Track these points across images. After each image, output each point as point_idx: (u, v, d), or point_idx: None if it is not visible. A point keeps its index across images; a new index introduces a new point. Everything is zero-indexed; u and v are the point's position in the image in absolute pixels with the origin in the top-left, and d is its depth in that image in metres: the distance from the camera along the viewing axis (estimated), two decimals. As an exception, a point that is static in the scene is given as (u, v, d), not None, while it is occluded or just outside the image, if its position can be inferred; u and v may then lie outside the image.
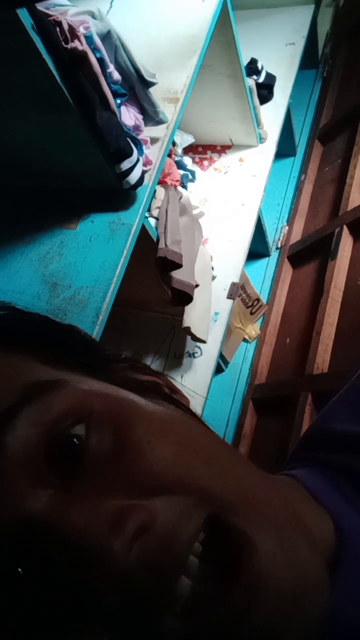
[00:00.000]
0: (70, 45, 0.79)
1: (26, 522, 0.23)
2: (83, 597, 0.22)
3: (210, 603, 0.23)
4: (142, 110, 1.04)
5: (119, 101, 0.96)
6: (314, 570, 0.25)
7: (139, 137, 1.02)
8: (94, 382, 0.30)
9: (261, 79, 1.72)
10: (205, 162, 1.90)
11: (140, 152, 1.01)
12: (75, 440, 0.25)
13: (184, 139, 1.60)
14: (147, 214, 1.11)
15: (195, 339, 1.39)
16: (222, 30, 1.32)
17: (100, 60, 0.86)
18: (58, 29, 0.78)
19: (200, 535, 0.24)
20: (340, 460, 0.36)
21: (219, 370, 1.76)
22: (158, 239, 1.14)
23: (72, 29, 0.79)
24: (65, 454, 0.25)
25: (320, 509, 0.32)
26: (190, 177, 1.56)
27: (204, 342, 1.42)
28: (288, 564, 0.24)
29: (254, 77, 1.69)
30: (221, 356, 1.66)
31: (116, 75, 0.93)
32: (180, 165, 1.50)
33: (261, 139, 1.85)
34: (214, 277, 1.60)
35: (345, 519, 0.31)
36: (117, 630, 0.22)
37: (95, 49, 0.86)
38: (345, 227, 1.67)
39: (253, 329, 1.90)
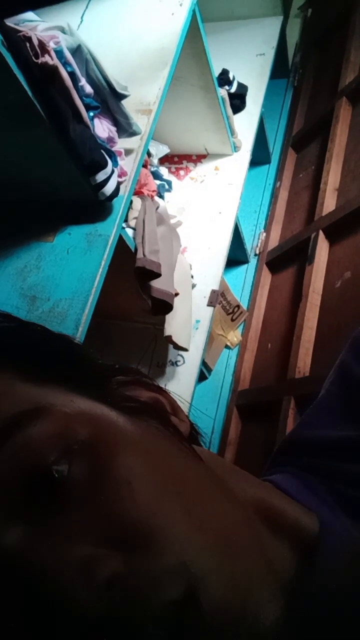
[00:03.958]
0: (41, 60, 0.79)
1: None
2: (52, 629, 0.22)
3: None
4: (116, 123, 1.05)
5: (91, 114, 0.96)
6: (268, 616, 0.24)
7: (113, 149, 1.02)
8: (82, 400, 0.29)
9: (233, 89, 1.74)
10: (182, 172, 1.92)
11: (115, 163, 1.02)
12: (55, 475, 0.24)
13: (159, 150, 1.62)
14: (124, 225, 1.12)
15: (177, 347, 1.39)
16: (193, 42, 1.34)
17: (72, 74, 0.87)
18: (28, 44, 0.79)
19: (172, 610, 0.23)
20: (315, 463, 0.37)
21: (202, 377, 1.77)
22: (136, 249, 1.14)
23: (42, 44, 0.80)
24: (44, 490, 0.24)
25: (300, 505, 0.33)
26: (166, 187, 1.57)
27: (186, 350, 1.42)
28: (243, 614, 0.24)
29: (226, 87, 1.72)
30: (204, 364, 1.67)
31: (88, 89, 0.94)
32: (156, 175, 1.51)
33: (235, 148, 1.88)
34: (193, 286, 1.61)
35: (320, 516, 0.32)
36: None
37: (66, 63, 0.86)
38: (321, 232, 1.70)
39: (235, 336, 1.91)
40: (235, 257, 2.04)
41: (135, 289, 1.19)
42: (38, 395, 0.28)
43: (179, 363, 1.58)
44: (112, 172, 0.99)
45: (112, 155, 1.01)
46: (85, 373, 0.33)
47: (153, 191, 1.34)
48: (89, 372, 0.33)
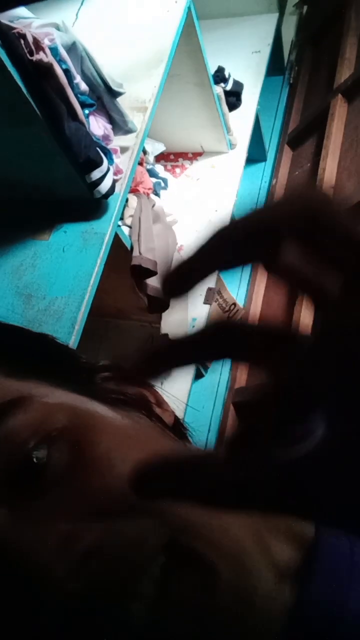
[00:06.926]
0: (36, 57, 0.79)
1: None
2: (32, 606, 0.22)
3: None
4: (111, 120, 1.05)
5: (87, 111, 0.96)
6: (268, 603, 0.25)
7: (109, 147, 1.02)
8: (63, 393, 0.30)
9: (229, 87, 1.74)
10: (177, 170, 1.91)
11: (111, 161, 1.01)
12: (35, 460, 0.25)
13: (155, 147, 1.62)
14: (120, 223, 1.12)
15: (174, 345, 1.39)
16: (188, 39, 1.34)
17: (67, 72, 0.87)
18: (22, 42, 0.78)
19: (160, 559, 0.24)
20: None
21: (199, 375, 1.76)
22: (132, 247, 1.14)
23: (36, 41, 0.79)
24: (25, 475, 0.25)
25: None
26: (162, 184, 1.57)
27: (182, 348, 1.42)
28: (247, 593, 0.24)
29: (222, 84, 1.72)
30: (200, 361, 1.66)
31: (83, 86, 0.93)
32: (152, 173, 1.51)
33: (231, 146, 1.88)
34: (190, 283, 1.61)
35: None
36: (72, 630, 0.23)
37: (60, 61, 0.86)
38: (317, 230, 1.70)
39: (231, 333, 1.91)
40: (232, 254, 2.04)
41: (131, 287, 1.19)
42: (20, 387, 0.28)
43: (175, 361, 1.58)
44: (108, 170, 0.98)
45: (108, 153, 1.01)
46: (68, 369, 0.33)
47: (149, 189, 1.34)
48: (71, 369, 0.34)
